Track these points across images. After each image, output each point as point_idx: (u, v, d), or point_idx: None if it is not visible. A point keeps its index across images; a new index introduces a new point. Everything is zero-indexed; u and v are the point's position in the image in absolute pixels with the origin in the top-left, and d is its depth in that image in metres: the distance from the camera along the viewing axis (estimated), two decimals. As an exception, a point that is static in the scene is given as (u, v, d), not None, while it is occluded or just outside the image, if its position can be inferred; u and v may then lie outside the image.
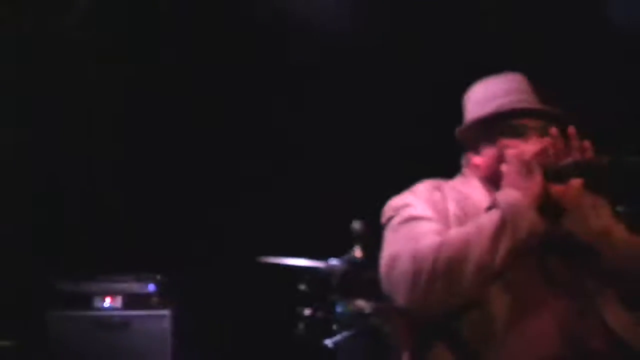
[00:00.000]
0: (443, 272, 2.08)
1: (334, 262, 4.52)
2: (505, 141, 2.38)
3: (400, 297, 2.15)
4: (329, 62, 5.31)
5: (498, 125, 2.41)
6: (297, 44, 5.26)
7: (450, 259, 2.09)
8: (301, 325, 4.65)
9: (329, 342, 4.38)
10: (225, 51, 5.33)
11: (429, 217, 2.31)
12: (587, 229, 2.22)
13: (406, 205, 2.38)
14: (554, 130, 2.23)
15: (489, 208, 2.20)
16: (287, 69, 5.35)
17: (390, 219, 2.40)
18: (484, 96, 2.49)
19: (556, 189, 2.22)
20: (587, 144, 2.18)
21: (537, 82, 2.51)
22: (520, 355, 2.08)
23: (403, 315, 2.32)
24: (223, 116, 5.42)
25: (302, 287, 4.70)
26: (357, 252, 4.39)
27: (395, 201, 2.44)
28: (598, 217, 2.27)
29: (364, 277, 4.42)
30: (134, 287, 4.92)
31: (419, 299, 2.10)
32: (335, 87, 5.28)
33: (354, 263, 4.47)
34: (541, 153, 2.24)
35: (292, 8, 5.12)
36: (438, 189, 2.45)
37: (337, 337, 4.36)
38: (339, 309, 4.49)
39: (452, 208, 2.36)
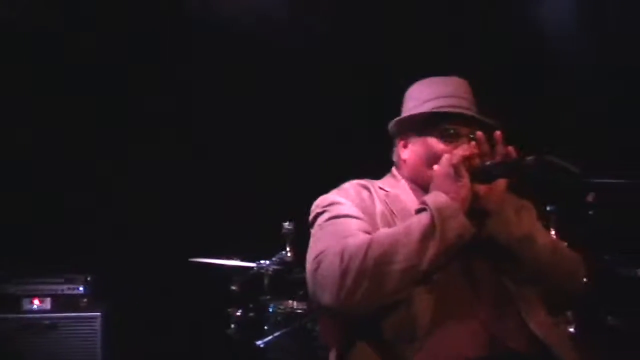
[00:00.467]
0: (370, 272, 2.08)
1: (264, 262, 4.54)
2: (435, 143, 2.41)
3: (326, 296, 2.12)
4: (256, 61, 5.33)
5: (431, 125, 2.43)
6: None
7: (378, 259, 2.09)
8: (233, 326, 4.67)
9: (260, 342, 4.39)
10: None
11: (356, 216, 2.31)
12: (509, 233, 2.26)
13: (334, 203, 2.37)
14: (480, 134, 2.26)
15: (418, 210, 2.22)
16: (210, 67, 5.33)
17: (317, 216, 2.39)
18: (423, 95, 2.50)
19: (482, 189, 2.25)
20: (511, 149, 2.22)
21: (477, 88, 2.54)
22: (442, 356, 2.10)
23: (328, 314, 2.31)
24: (150, 118, 5.38)
25: (234, 287, 4.72)
26: (288, 253, 4.40)
27: (323, 199, 2.43)
28: (521, 221, 2.32)
29: (295, 277, 4.45)
30: (63, 288, 4.85)
31: (345, 298, 2.08)
32: (267, 88, 5.30)
33: (284, 263, 4.49)
34: (469, 157, 2.25)
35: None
36: (366, 188, 2.46)
37: (269, 338, 4.37)
38: (270, 309, 4.51)
39: (379, 207, 2.37)
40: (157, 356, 5.10)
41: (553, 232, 4.45)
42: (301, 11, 5.19)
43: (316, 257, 2.19)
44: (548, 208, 4.47)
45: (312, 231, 2.39)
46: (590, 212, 4.53)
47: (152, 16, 5.12)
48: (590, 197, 4.71)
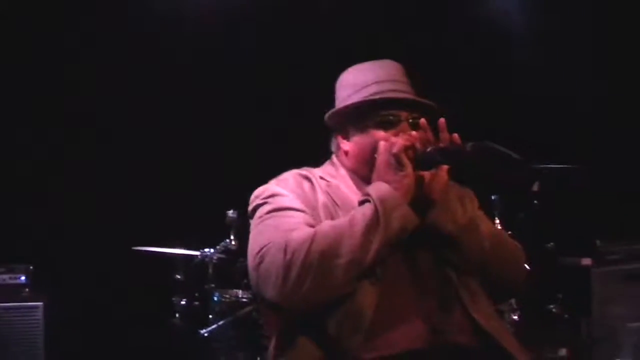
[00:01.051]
0: (315, 266, 2.04)
1: (209, 251, 4.51)
2: (376, 131, 2.34)
3: (269, 291, 2.08)
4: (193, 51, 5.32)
5: (369, 113, 2.35)
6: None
7: (322, 252, 2.05)
8: (177, 315, 4.64)
9: (204, 331, 4.37)
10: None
11: (298, 209, 2.25)
12: (452, 222, 2.23)
13: (275, 195, 2.30)
14: (423, 121, 2.24)
15: (362, 202, 2.18)
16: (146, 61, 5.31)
17: (257, 207, 2.31)
18: (357, 82, 2.41)
19: (425, 176, 2.22)
20: (456, 136, 2.19)
21: (411, 70, 2.48)
22: (386, 349, 2.07)
23: (271, 307, 2.24)
24: (89, 108, 5.33)
25: (178, 276, 4.68)
26: (232, 242, 4.38)
27: (263, 190, 2.35)
28: (464, 210, 2.30)
29: (239, 266, 4.43)
30: (5, 278, 4.75)
31: (289, 292, 2.05)
32: (207, 78, 5.29)
33: (228, 252, 4.46)
34: (411, 145, 2.21)
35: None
36: (307, 179, 2.38)
37: (213, 326, 4.35)
38: (215, 298, 4.48)
39: (321, 199, 2.31)
40: (100, 346, 5.04)
41: (497, 221, 4.49)
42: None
43: (259, 251, 2.14)
44: (492, 197, 4.51)
45: (253, 223, 2.31)
46: (535, 202, 4.59)
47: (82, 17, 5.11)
48: (535, 187, 4.79)
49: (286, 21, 5.47)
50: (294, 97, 5.26)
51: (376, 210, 2.11)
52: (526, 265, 2.53)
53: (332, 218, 2.24)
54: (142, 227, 4.91)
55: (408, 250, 2.22)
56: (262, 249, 2.13)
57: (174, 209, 5.13)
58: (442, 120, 2.22)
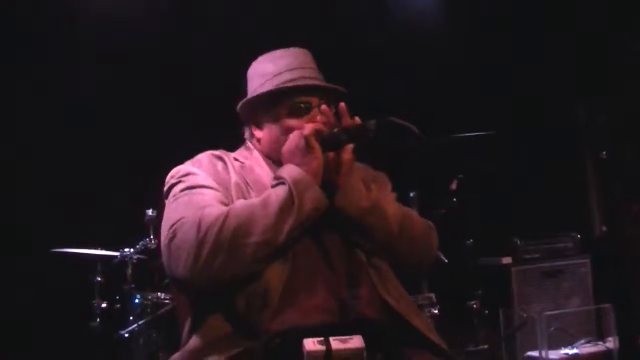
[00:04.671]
0: (227, 244, 2.06)
1: (128, 251, 4.47)
2: (288, 119, 2.39)
3: (180, 267, 2.09)
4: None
5: (280, 101, 2.40)
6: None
7: (235, 231, 2.08)
8: (97, 319, 4.58)
9: (123, 332, 4.33)
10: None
11: (211, 187, 2.29)
12: (356, 204, 2.27)
13: (188, 174, 2.33)
14: (324, 107, 2.29)
15: (275, 185, 2.21)
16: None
17: (171, 187, 2.34)
18: (267, 71, 2.45)
19: (331, 156, 2.26)
20: (357, 119, 2.25)
21: (318, 57, 2.53)
22: (294, 324, 2.09)
23: (182, 286, 2.25)
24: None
25: (98, 278, 4.63)
26: (152, 241, 4.35)
27: (177, 170, 2.38)
28: (368, 192, 2.32)
29: (158, 265, 4.40)
30: None
31: (201, 269, 2.06)
32: (119, 77, 5.28)
33: (148, 252, 4.44)
34: (319, 129, 2.26)
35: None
36: (220, 159, 2.42)
37: (132, 327, 4.31)
38: (135, 300, 4.44)
39: (234, 178, 2.35)
40: (18, 350, 4.93)
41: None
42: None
43: (171, 226, 2.15)
44: (410, 194, 4.57)
45: (167, 202, 2.33)
46: (453, 199, 4.68)
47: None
48: (453, 185, 4.87)
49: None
50: (207, 93, 5.27)
51: (290, 192, 2.15)
52: (437, 245, 2.54)
53: (245, 197, 2.29)
54: (60, 228, 4.83)
55: (317, 231, 2.25)
56: (174, 224, 2.15)
57: (92, 209, 5.07)
58: (342, 104, 2.28)
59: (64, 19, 5.29)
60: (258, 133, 2.48)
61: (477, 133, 2.67)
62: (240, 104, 2.49)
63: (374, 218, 2.29)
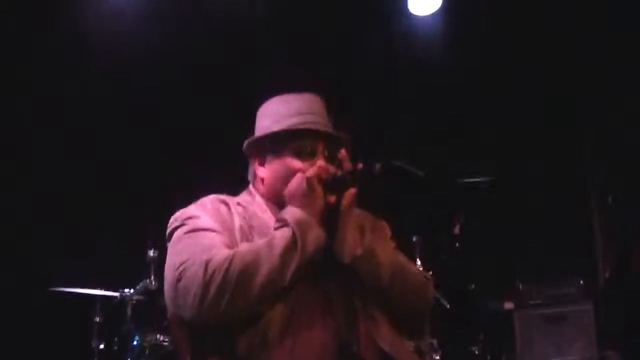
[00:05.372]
0: (234, 284, 2.10)
1: (128, 291, 4.45)
2: (292, 160, 2.43)
3: (187, 307, 2.13)
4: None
5: (286, 142, 2.45)
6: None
7: (241, 272, 2.11)
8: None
9: (122, 373, 4.30)
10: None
11: (215, 230, 2.31)
12: (348, 251, 2.29)
13: (192, 217, 2.35)
14: (322, 163, 2.34)
15: (278, 227, 2.25)
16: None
17: (175, 229, 2.36)
18: (277, 112, 2.49)
19: (331, 200, 2.29)
20: (360, 165, 2.28)
21: (331, 104, 2.56)
22: None
23: (184, 326, 2.28)
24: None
25: (97, 318, 4.59)
26: (152, 282, 4.33)
27: (181, 213, 2.41)
28: (362, 240, 2.33)
29: (158, 306, 4.37)
30: None
31: (207, 309, 2.10)
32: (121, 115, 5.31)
33: (148, 292, 4.41)
34: (323, 172, 2.30)
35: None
36: (224, 203, 2.44)
37: (131, 368, 4.28)
38: (134, 341, 4.40)
39: (237, 222, 2.37)
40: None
41: (419, 263, 4.54)
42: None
43: (179, 267, 2.17)
44: (413, 238, 4.56)
45: (170, 244, 2.35)
46: (456, 244, 4.66)
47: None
48: (456, 229, 4.86)
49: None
50: (212, 137, 5.28)
51: (294, 233, 2.19)
52: (432, 297, 2.57)
53: (248, 241, 2.31)
54: (60, 267, 4.80)
55: (317, 273, 2.26)
56: (181, 264, 2.18)
57: (92, 249, 5.04)
58: (342, 151, 2.33)
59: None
60: (261, 172, 2.51)
61: (480, 179, 2.68)
62: (247, 141, 2.53)
63: (366, 265, 2.30)
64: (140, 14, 5.22)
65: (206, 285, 2.10)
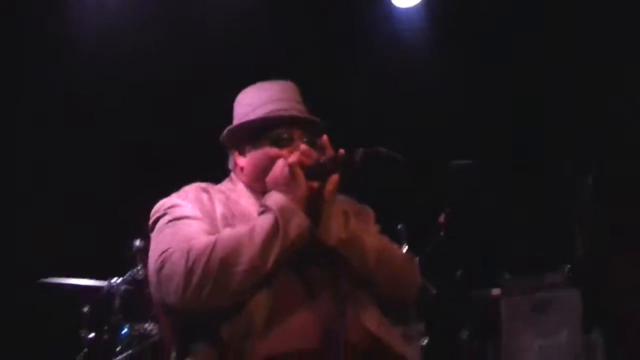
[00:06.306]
0: (215, 272, 2.11)
1: (115, 281, 4.46)
2: (270, 149, 2.46)
3: (170, 296, 2.14)
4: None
5: (264, 131, 2.48)
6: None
7: (222, 260, 2.12)
8: (84, 349, 4.55)
9: (111, 363, 4.31)
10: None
11: (197, 217, 2.33)
12: (334, 235, 2.30)
13: (174, 206, 2.38)
14: (303, 146, 2.35)
15: (261, 212, 2.25)
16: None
17: (158, 219, 2.38)
18: (253, 101, 2.53)
19: (314, 186, 2.30)
20: (341, 151, 2.28)
21: (304, 90, 2.59)
22: (278, 351, 2.11)
23: (169, 314, 2.30)
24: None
25: (85, 309, 4.60)
26: (140, 271, 4.35)
27: (163, 203, 2.43)
28: (347, 223, 2.35)
29: (147, 295, 4.38)
30: None
31: (190, 298, 2.11)
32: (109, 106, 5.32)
33: (135, 282, 4.43)
34: (305, 159, 2.30)
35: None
36: (206, 191, 2.47)
37: (120, 358, 4.29)
38: (122, 330, 4.43)
39: (219, 209, 2.39)
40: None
41: (405, 250, 4.56)
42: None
43: (160, 255, 2.19)
44: (398, 226, 4.58)
45: (153, 234, 2.38)
46: (441, 233, 4.68)
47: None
48: (441, 218, 4.88)
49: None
50: (195, 125, 5.29)
51: (276, 219, 2.19)
52: (419, 279, 2.60)
53: (230, 228, 2.30)
54: (47, 258, 4.83)
55: (301, 259, 2.27)
56: (162, 253, 2.19)
57: (79, 239, 5.06)
58: (324, 137, 2.34)
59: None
60: (241, 161, 2.54)
61: (465, 161, 2.70)
62: (224, 132, 2.55)
63: (351, 249, 2.32)
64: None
65: (188, 274, 2.11)
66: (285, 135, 2.45)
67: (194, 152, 4.89)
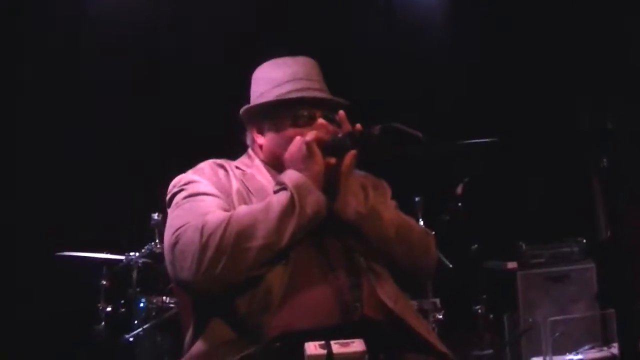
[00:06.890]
0: (230, 248, 2.10)
1: (133, 255, 4.48)
2: (290, 128, 2.43)
3: (185, 271, 2.13)
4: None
5: (284, 110, 2.45)
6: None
7: (237, 236, 2.11)
8: (102, 322, 4.58)
9: (128, 336, 4.33)
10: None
11: (213, 194, 2.33)
12: (353, 209, 2.30)
13: (191, 182, 2.37)
14: (321, 121, 2.35)
15: (277, 190, 2.25)
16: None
17: (174, 195, 2.38)
18: (272, 78, 2.49)
19: (332, 162, 2.29)
20: (358, 125, 2.27)
21: (325, 67, 2.55)
22: (296, 325, 2.11)
23: (186, 290, 2.28)
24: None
25: (103, 282, 4.63)
26: (157, 245, 4.37)
27: (179, 178, 2.42)
28: (366, 198, 2.35)
29: (164, 269, 4.39)
30: None
31: (204, 273, 2.10)
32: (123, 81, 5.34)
33: (153, 256, 4.44)
34: (322, 136, 2.29)
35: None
36: (222, 167, 2.46)
37: (137, 331, 4.32)
38: (140, 304, 4.45)
39: (236, 185, 2.38)
40: (24, 355, 4.95)
41: (421, 222, 4.55)
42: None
43: (175, 231, 2.19)
44: (416, 199, 4.57)
45: (169, 210, 2.37)
46: (458, 204, 4.67)
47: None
48: (459, 190, 4.86)
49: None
50: (212, 100, 5.29)
51: (292, 197, 2.18)
52: (436, 253, 2.57)
53: (246, 204, 2.31)
54: (66, 231, 4.85)
55: (317, 235, 2.27)
56: (178, 229, 2.19)
57: (97, 213, 5.09)
58: (341, 112, 2.32)
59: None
60: (260, 139, 2.52)
61: (482, 140, 2.68)
62: (242, 109, 2.53)
63: (370, 223, 2.32)
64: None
65: (202, 249, 2.11)
66: (306, 114, 2.43)
67: (213, 127, 4.88)
